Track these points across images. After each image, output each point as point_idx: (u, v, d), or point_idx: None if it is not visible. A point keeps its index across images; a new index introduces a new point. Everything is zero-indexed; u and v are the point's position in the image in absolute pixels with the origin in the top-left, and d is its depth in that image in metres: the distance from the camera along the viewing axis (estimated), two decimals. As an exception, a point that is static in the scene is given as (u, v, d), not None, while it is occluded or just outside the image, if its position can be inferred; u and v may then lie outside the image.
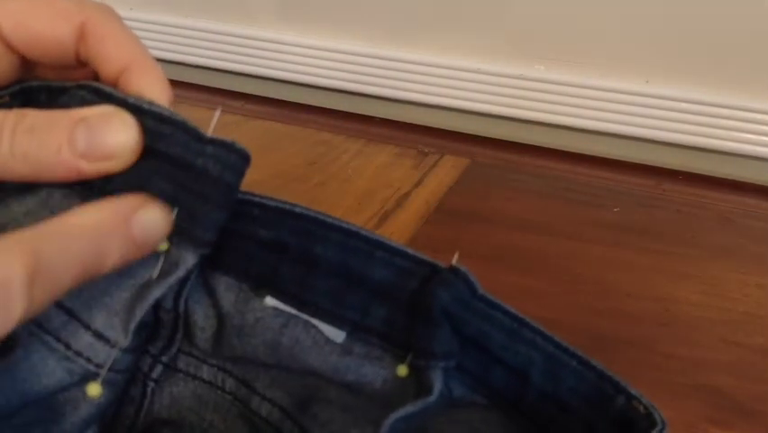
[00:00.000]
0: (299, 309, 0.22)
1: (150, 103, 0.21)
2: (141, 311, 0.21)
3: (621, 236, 0.51)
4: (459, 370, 0.22)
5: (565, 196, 0.57)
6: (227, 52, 0.78)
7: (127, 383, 0.24)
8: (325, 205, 0.52)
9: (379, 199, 0.54)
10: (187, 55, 0.81)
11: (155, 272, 0.21)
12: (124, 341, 0.21)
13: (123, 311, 0.21)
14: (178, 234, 0.21)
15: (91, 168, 0.20)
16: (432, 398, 0.20)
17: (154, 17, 0.81)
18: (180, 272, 0.21)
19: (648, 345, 0.39)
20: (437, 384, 0.20)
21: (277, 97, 0.77)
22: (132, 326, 0.21)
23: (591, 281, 0.45)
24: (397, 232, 0.49)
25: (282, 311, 0.22)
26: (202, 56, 0.80)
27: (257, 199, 0.22)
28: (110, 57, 0.22)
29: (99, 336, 0.21)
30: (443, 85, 0.70)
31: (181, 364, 0.25)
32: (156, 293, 0.21)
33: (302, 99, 0.76)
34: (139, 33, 0.81)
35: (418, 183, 0.58)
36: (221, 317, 0.23)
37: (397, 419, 0.20)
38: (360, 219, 0.50)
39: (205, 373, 0.25)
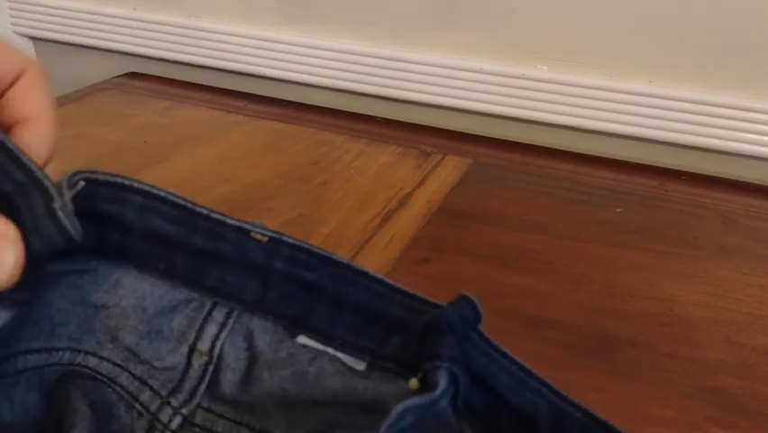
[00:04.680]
0: (327, 344, 0.25)
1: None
2: None
3: (623, 236, 0.51)
4: (469, 410, 0.23)
5: (567, 196, 0.57)
6: (230, 52, 0.78)
7: None
8: (328, 205, 0.52)
9: (381, 199, 0.54)
10: (190, 55, 0.81)
11: None
12: None
13: None
14: None
15: None
16: (437, 392, 0.22)
17: (157, 17, 0.81)
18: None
19: (650, 345, 0.39)
20: (442, 382, 0.22)
21: (279, 97, 0.77)
22: None
23: (593, 282, 0.45)
24: (399, 232, 0.49)
25: (311, 348, 0.25)
26: (204, 56, 0.80)
27: (303, 245, 0.24)
28: (18, 108, 0.23)
29: None
30: (446, 85, 0.70)
31: (198, 419, 0.26)
32: None
33: (304, 99, 0.77)
34: (141, 33, 0.81)
35: (421, 183, 0.58)
36: (254, 356, 0.25)
37: (405, 408, 0.21)
38: (362, 219, 0.50)
39: (221, 427, 0.26)
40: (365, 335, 0.25)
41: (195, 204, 0.24)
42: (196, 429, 0.26)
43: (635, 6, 0.62)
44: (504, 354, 0.23)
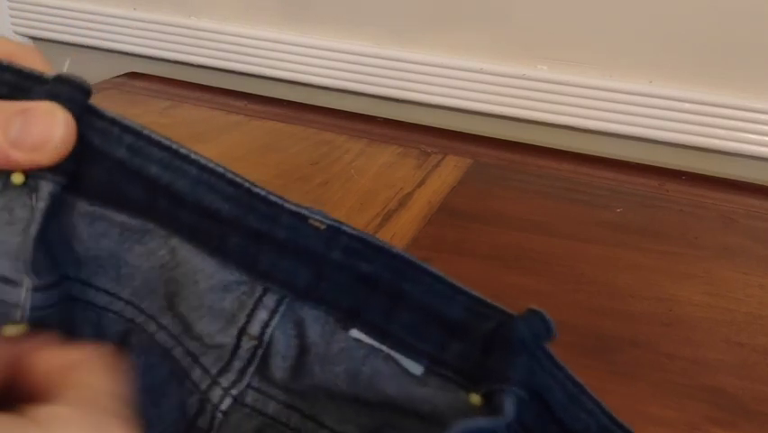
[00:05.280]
0: (381, 341, 0.24)
1: (12, 63, 0.23)
2: (26, 249, 0.22)
3: (624, 237, 0.51)
4: (520, 424, 0.22)
5: (568, 196, 0.57)
6: (230, 52, 0.78)
7: (195, 414, 0.25)
8: (328, 205, 0.52)
9: (381, 199, 0.54)
10: (190, 55, 0.81)
11: (29, 210, 0.22)
12: (29, 281, 0.22)
13: (19, 253, 0.23)
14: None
15: (20, 157, 0.21)
16: (502, 420, 0.21)
17: (158, 17, 0.81)
18: (41, 203, 0.22)
19: (651, 345, 0.39)
20: (509, 407, 0.21)
21: (279, 97, 0.77)
22: (28, 265, 0.22)
23: (594, 282, 0.45)
24: (399, 232, 0.49)
25: (365, 343, 0.24)
26: (205, 56, 0.80)
27: (362, 235, 0.23)
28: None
29: (6, 280, 0.22)
30: (446, 85, 0.70)
31: (249, 399, 0.25)
32: (33, 229, 0.22)
33: (305, 99, 0.77)
34: (141, 33, 0.81)
35: (421, 183, 0.58)
36: (305, 346, 0.25)
37: (467, 429, 0.20)
38: (362, 219, 0.50)
39: (271, 409, 0.25)
40: (423, 337, 0.23)
41: (253, 183, 0.23)
42: (247, 410, 0.25)
43: (634, 6, 0.62)
44: (561, 368, 0.22)
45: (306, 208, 0.23)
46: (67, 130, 0.22)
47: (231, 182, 0.23)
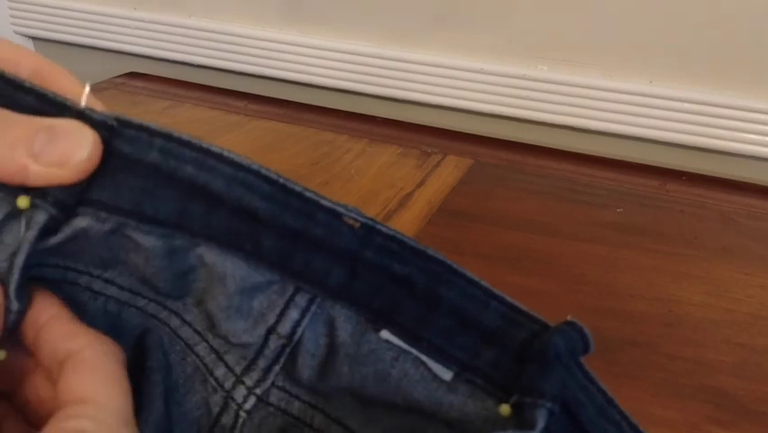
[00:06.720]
0: (412, 345, 0.23)
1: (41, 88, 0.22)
2: (15, 276, 0.21)
3: (624, 237, 0.51)
4: None
5: (568, 196, 0.57)
6: (230, 52, 0.78)
7: (219, 412, 0.25)
8: (328, 205, 0.52)
9: (382, 199, 0.54)
10: (191, 55, 0.81)
11: (21, 235, 0.22)
12: (15, 304, 0.22)
13: (3, 276, 0.22)
14: (34, 195, 0.21)
15: (39, 170, 0.21)
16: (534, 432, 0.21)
17: (158, 17, 0.81)
18: (32, 232, 0.21)
19: (652, 345, 0.39)
20: (540, 423, 0.21)
21: (280, 97, 0.77)
22: (12, 289, 0.21)
23: (595, 282, 0.45)
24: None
25: (395, 345, 0.23)
26: (205, 56, 0.80)
27: (397, 235, 0.23)
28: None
29: None
30: (447, 85, 0.70)
31: (273, 399, 0.25)
32: (19, 260, 0.21)
33: (305, 99, 0.77)
34: (142, 33, 0.81)
35: (421, 183, 0.58)
36: (334, 346, 0.24)
37: None
38: (363, 219, 0.50)
39: (296, 409, 0.25)
40: (455, 342, 0.23)
41: (287, 179, 0.23)
42: (271, 409, 0.25)
43: (635, 6, 0.62)
44: (593, 381, 0.22)
45: (342, 205, 0.23)
46: (94, 148, 0.21)
47: (266, 179, 0.23)
